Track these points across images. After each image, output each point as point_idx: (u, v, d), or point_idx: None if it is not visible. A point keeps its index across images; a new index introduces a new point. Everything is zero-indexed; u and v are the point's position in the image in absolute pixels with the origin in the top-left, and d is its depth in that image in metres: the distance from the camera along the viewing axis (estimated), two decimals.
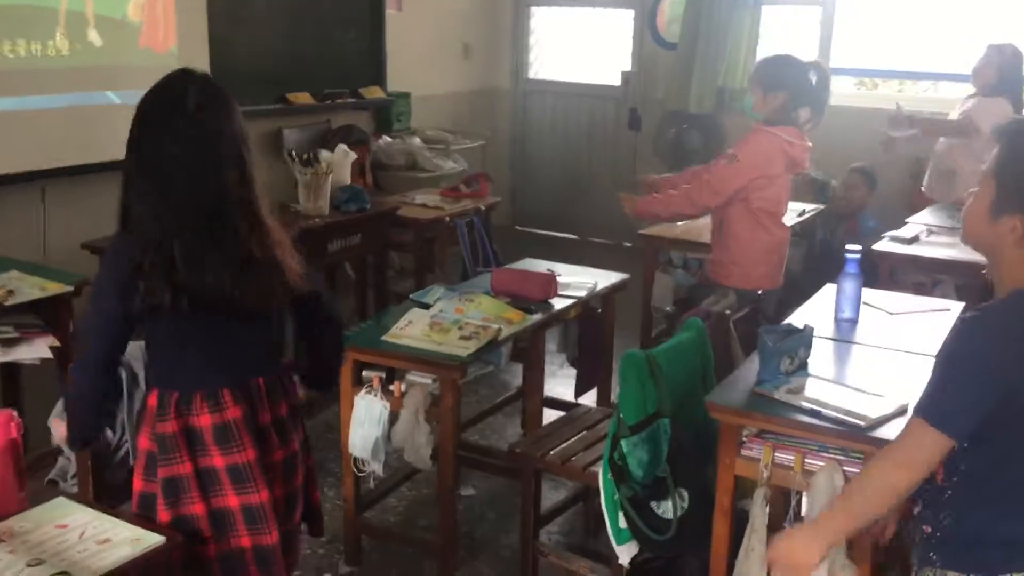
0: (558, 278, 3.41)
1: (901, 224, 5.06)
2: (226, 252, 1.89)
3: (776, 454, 2.38)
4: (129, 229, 1.91)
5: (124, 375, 2.53)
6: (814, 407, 2.35)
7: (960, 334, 1.69)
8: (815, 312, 3.14)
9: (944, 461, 1.69)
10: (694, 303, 4.74)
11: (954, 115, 5.03)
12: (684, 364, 2.80)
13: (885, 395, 2.41)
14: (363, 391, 2.89)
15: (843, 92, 6.33)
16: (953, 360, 1.68)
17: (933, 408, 1.67)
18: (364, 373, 2.94)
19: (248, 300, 1.93)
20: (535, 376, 3.36)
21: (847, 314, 3.04)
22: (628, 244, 7.19)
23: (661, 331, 4.81)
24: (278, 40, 5.48)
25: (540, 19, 7.40)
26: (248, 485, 1.96)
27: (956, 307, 3.21)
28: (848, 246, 3.09)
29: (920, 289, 3.96)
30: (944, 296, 3.89)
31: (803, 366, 2.59)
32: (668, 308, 4.72)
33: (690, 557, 2.82)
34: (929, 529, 1.75)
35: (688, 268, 4.68)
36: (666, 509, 2.62)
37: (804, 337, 2.58)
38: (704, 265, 4.69)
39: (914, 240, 4.09)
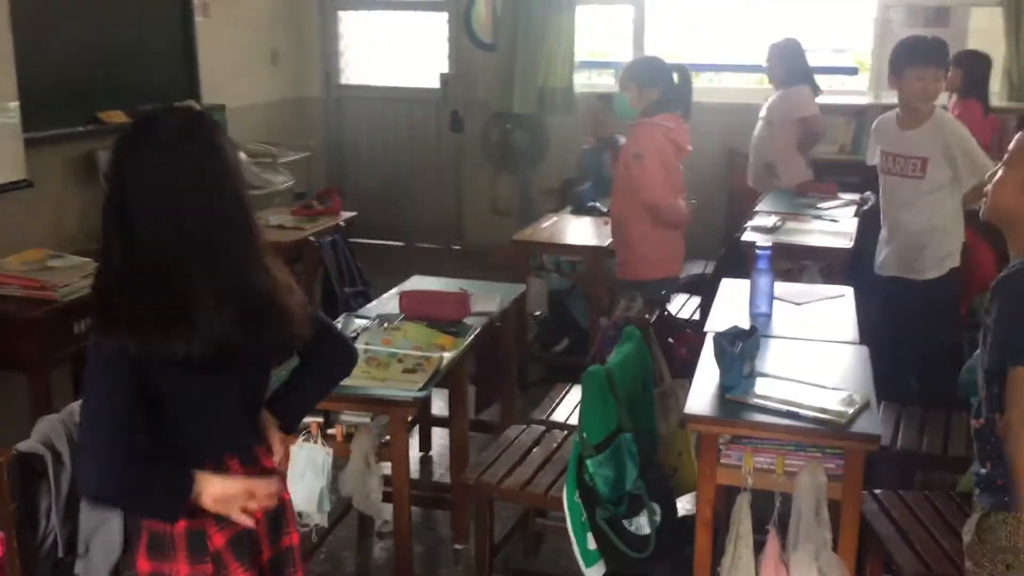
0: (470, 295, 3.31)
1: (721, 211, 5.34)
2: (228, 299, 1.66)
3: (755, 458, 2.42)
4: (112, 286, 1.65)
5: (48, 457, 2.21)
6: (791, 408, 2.40)
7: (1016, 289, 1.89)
8: (725, 309, 3.22)
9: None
10: (564, 308, 4.79)
11: (763, 110, 5.34)
12: (631, 375, 2.79)
13: (846, 388, 2.50)
14: (300, 439, 2.67)
15: None
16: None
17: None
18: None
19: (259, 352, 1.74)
20: (460, 400, 3.24)
21: (763, 308, 3.14)
22: (457, 247, 7.15)
23: (534, 336, 4.80)
24: (86, 55, 5.00)
25: (349, 23, 7.17)
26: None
27: (847, 291, 3.40)
28: (759, 243, 3.19)
29: (788, 275, 4.15)
30: (811, 280, 4.12)
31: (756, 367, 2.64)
32: (537, 312, 4.73)
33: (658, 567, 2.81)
34: (1002, 480, 1.86)
35: (561, 271, 4.70)
36: (640, 525, 2.60)
37: (756, 339, 2.63)
38: (577, 268, 4.74)
39: (775, 229, 4.29)
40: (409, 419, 2.66)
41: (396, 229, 7.18)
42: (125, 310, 1.60)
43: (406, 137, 7.14)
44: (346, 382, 2.64)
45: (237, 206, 1.71)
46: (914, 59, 3.70)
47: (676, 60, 4.24)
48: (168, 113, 1.71)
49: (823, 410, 2.37)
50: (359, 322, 3.10)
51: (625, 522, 2.60)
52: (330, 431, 2.71)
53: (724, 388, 2.52)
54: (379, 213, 7.25)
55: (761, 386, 2.52)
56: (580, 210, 5.03)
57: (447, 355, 2.84)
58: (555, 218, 4.86)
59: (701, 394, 2.53)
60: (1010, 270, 1.95)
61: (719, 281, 4.25)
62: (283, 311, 1.74)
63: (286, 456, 1.92)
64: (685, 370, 3.23)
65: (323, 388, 2.05)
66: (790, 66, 5.24)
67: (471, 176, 7.03)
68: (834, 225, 4.43)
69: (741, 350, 2.55)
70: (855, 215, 4.62)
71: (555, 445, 3.04)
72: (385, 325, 3.01)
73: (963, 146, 3.67)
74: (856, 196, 4.95)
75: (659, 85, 3.75)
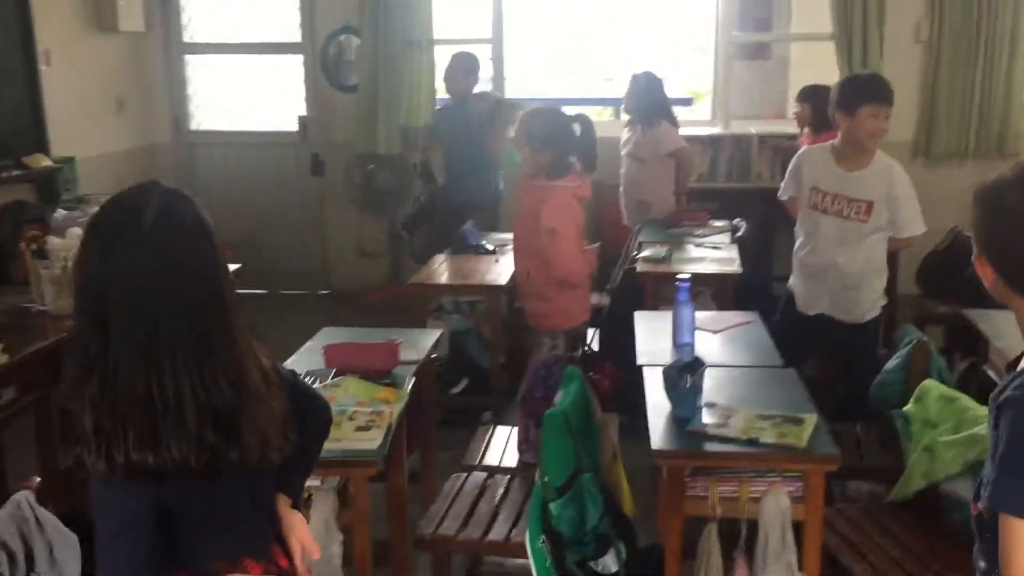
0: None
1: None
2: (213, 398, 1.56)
3: (719, 487, 2.49)
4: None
5: (3, 558, 2.02)
6: (750, 437, 2.48)
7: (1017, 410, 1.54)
8: (649, 341, 3.31)
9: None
10: (462, 349, 4.77)
11: (624, 142, 5.53)
12: (582, 414, 2.81)
13: (791, 411, 2.61)
14: None
15: None
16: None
17: (1016, 500, 1.52)
18: None
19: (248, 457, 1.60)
20: (397, 453, 3.16)
21: (686, 339, 3.23)
22: (324, 292, 7.00)
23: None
24: None
25: (197, 68, 6.92)
26: None
27: (754, 316, 3.55)
28: (679, 275, 3.30)
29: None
30: (705, 307, 4.27)
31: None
32: (434, 356, 4.67)
33: None
34: None
35: (462, 312, 4.68)
36: (606, 565, 2.62)
37: (703, 371, 2.71)
38: (477, 308, 4.73)
39: (666, 259, 4.43)
40: (368, 477, 2.57)
41: (259, 277, 6.93)
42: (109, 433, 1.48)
43: (264, 182, 6.94)
44: None
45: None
46: (871, 97, 3.64)
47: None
48: (145, 196, 1.59)
49: (783, 435, 2.47)
50: None
51: (592, 564, 2.62)
52: None
53: (681, 421, 2.59)
54: (240, 261, 7.00)
55: (717, 417, 2.59)
56: (463, 250, 5.02)
57: (396, 408, 2.77)
58: (443, 259, 4.84)
59: (660, 428, 2.58)
60: (1014, 389, 1.59)
61: (617, 313, 4.37)
62: (250, 429, 1.60)
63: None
64: (608, 404, 3.30)
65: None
66: (650, 100, 5.45)
67: (335, 219, 6.91)
68: (718, 252, 4.62)
69: (692, 382, 2.63)
70: (732, 242, 4.84)
71: (502, 490, 3.02)
72: (321, 383, 2.91)
73: (909, 194, 3.70)
74: (726, 223, 5.19)
75: (552, 146, 3.66)
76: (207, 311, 1.59)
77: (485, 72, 6.58)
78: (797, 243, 3.96)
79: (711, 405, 2.66)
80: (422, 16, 6.38)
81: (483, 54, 6.60)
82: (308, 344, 3.43)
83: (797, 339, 3.69)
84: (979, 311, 3.59)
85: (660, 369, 2.88)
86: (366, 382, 2.91)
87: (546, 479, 2.64)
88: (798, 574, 2.45)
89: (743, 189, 6.13)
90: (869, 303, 3.83)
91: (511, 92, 6.55)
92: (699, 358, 2.76)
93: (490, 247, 4.99)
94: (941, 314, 4.93)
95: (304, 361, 3.27)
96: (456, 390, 4.84)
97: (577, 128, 3.74)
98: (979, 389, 3.13)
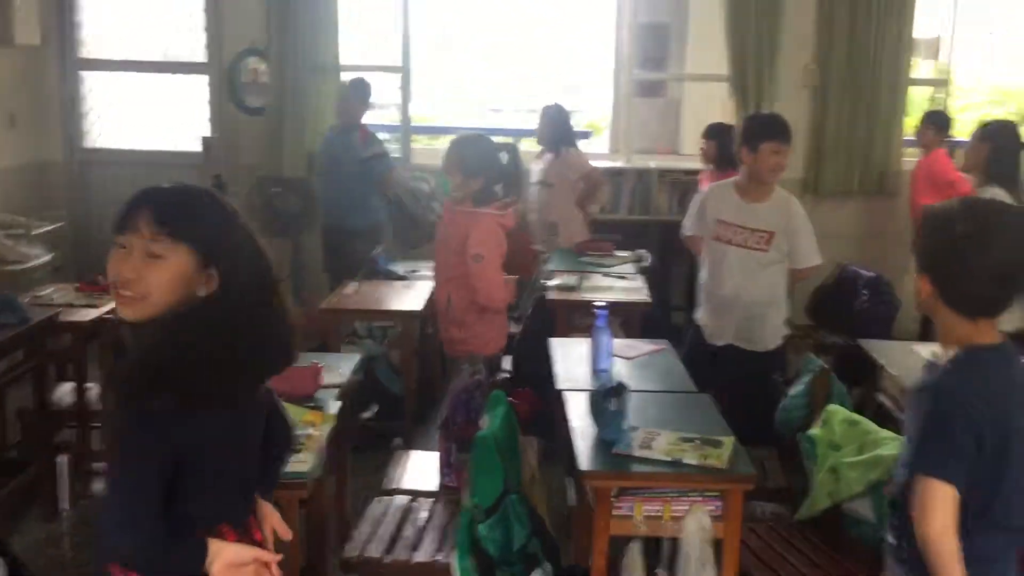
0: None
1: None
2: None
3: (644, 507, 2.58)
4: None
5: None
6: (674, 458, 2.59)
7: (939, 395, 1.88)
8: (568, 367, 3.40)
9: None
10: (372, 374, 4.77)
11: (535, 169, 5.68)
12: (508, 438, 2.88)
13: (714, 435, 2.73)
14: None
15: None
16: (937, 420, 1.85)
17: (940, 467, 1.83)
18: None
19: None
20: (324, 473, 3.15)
21: (604, 364, 3.34)
22: None
23: None
24: None
25: (95, 85, 6.74)
26: None
27: (665, 344, 3.69)
28: (596, 303, 3.41)
29: (590, 330, 4.43)
30: (613, 335, 4.40)
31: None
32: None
33: None
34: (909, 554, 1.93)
35: (374, 337, 4.68)
36: None
37: (627, 395, 2.80)
38: (389, 333, 4.74)
39: (577, 287, 4.55)
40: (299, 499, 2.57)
41: None
42: (180, 363, 1.62)
43: None
44: None
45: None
46: (772, 134, 3.85)
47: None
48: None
49: (705, 456, 2.58)
50: None
51: None
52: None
53: (607, 443, 2.68)
54: None
55: (642, 439, 2.69)
56: (373, 275, 5.04)
57: (325, 430, 2.78)
58: (355, 284, 4.85)
59: (586, 451, 2.66)
60: (928, 378, 1.97)
61: (529, 340, 4.46)
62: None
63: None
64: (527, 428, 3.37)
65: (286, 460, 2.10)
66: (559, 129, 5.62)
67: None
68: (626, 281, 4.77)
69: (617, 406, 2.72)
70: (638, 272, 5.00)
71: (425, 513, 3.04)
72: None
73: (806, 226, 3.90)
74: (630, 253, 5.36)
75: (483, 172, 3.73)
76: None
77: (393, 99, 6.66)
78: (703, 277, 4.12)
79: (634, 428, 2.76)
80: (329, 41, 6.39)
81: (392, 82, 6.68)
82: None
83: (705, 369, 3.82)
84: (873, 341, 3.82)
85: (582, 394, 3.00)
86: (292, 405, 2.90)
87: (475, 500, 2.69)
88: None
89: (644, 221, 6.33)
90: (773, 332, 4.02)
91: (417, 120, 6.60)
92: (622, 383, 2.85)
93: (401, 272, 5.03)
94: (830, 344, 5.20)
95: None
96: (367, 415, 4.83)
97: (504, 157, 3.83)
98: (875, 414, 3.33)
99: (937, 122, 5.84)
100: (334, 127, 5.90)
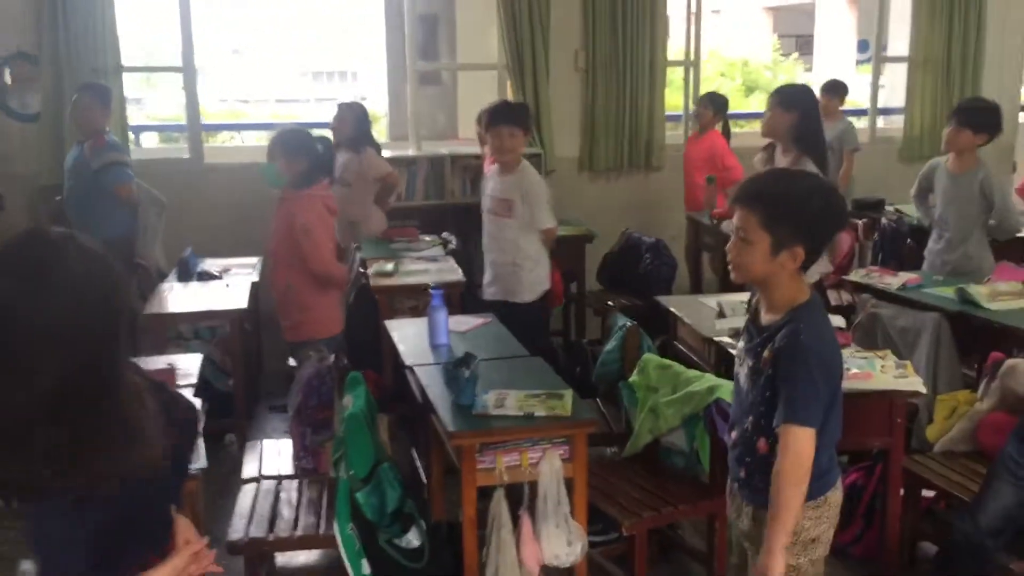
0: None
1: None
2: None
3: (504, 458, 2.93)
4: None
5: None
6: (526, 412, 2.95)
7: (793, 352, 2.19)
8: (409, 345, 3.69)
9: (769, 439, 2.28)
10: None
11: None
12: (371, 414, 3.14)
13: (555, 388, 3.11)
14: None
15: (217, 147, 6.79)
16: (797, 372, 2.18)
17: (803, 414, 2.18)
18: None
19: None
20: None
21: (443, 340, 3.66)
22: None
23: None
24: None
25: None
26: None
27: (492, 317, 4.05)
28: (432, 284, 3.73)
29: (415, 311, 4.72)
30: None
31: None
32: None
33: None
34: (762, 484, 2.28)
35: (201, 338, 4.73)
36: (409, 540, 2.97)
37: (478, 363, 3.12)
38: (217, 332, 4.81)
39: (395, 272, 4.82)
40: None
41: None
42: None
43: None
44: None
45: None
46: (492, 121, 4.45)
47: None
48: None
49: (551, 408, 2.96)
50: None
51: (397, 540, 2.96)
52: None
53: (466, 407, 2.99)
54: None
55: (495, 399, 3.02)
56: (188, 277, 5.07)
57: None
58: (170, 286, 4.88)
59: (448, 416, 2.96)
60: (784, 339, 2.22)
61: (356, 326, 4.70)
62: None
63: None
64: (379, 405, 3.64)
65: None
66: (357, 128, 5.81)
67: None
68: (437, 263, 5.08)
69: (471, 373, 3.04)
70: (447, 253, 5.33)
71: (295, 493, 3.25)
72: None
73: (536, 192, 4.46)
74: (434, 237, 5.68)
75: (306, 155, 4.02)
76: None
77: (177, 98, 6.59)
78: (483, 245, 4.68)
79: (485, 392, 3.09)
80: (108, 42, 6.25)
81: (176, 83, 6.62)
82: None
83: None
84: (668, 297, 4.39)
85: (433, 367, 3.32)
86: None
87: (351, 472, 2.94)
88: (572, 521, 2.94)
89: (440, 205, 6.66)
90: (529, 286, 4.54)
91: (205, 120, 6.59)
92: (470, 353, 3.18)
93: (216, 272, 5.10)
94: (621, 304, 5.75)
95: None
96: None
97: (320, 148, 4.08)
98: (675, 359, 3.83)
99: (715, 103, 6.52)
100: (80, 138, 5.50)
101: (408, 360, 3.52)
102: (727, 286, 5.76)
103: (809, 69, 21.55)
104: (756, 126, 11.67)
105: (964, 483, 3.20)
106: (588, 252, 5.96)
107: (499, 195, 4.50)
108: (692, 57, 7.39)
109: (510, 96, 6.76)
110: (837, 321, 3.52)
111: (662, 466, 3.45)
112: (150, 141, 8.94)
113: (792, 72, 20.88)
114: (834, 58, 21.09)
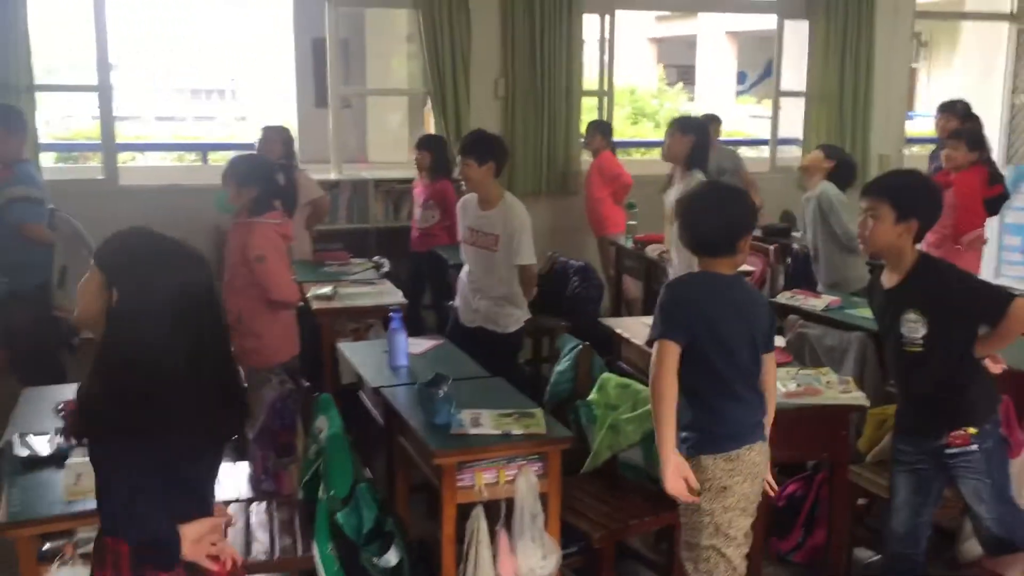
0: None
1: None
2: None
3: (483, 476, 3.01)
4: None
5: None
6: (504, 431, 3.04)
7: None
8: (370, 368, 3.73)
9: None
10: None
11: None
12: (344, 436, 3.17)
13: (523, 407, 3.22)
14: (56, 566, 2.57)
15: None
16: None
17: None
18: (47, 546, 2.59)
19: None
20: None
21: (402, 361, 3.72)
22: None
23: None
24: None
25: None
26: None
27: (440, 338, 4.13)
28: (391, 306, 3.78)
29: (356, 334, 4.76)
30: (377, 335, 4.77)
31: None
32: None
33: None
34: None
35: None
36: (389, 559, 3.02)
37: (450, 382, 3.20)
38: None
39: (334, 296, 4.82)
40: None
41: None
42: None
43: None
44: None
45: None
46: (460, 150, 4.44)
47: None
48: None
49: (527, 426, 3.06)
50: (36, 440, 2.96)
51: (376, 559, 3.01)
52: (83, 550, 2.63)
53: (443, 427, 3.07)
54: None
55: (469, 418, 3.11)
56: None
57: None
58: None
59: (430, 434, 3.03)
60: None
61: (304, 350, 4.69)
62: None
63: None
64: None
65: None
66: (288, 151, 5.80)
67: None
68: (374, 286, 5.11)
69: (445, 393, 3.12)
70: (381, 276, 5.37)
71: (264, 516, 3.25)
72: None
73: (520, 227, 4.38)
74: (365, 260, 5.71)
75: (257, 183, 3.98)
76: None
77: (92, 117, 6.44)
78: (464, 271, 4.62)
79: (458, 411, 3.17)
80: (19, 58, 6.07)
81: (91, 102, 6.48)
82: (20, 410, 3.35)
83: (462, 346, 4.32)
84: (613, 319, 4.57)
85: (398, 388, 3.39)
86: None
87: (332, 492, 2.98)
88: (546, 535, 3.05)
89: (362, 229, 6.70)
90: (513, 318, 4.57)
91: (124, 138, 6.46)
92: (441, 373, 3.25)
93: None
94: (550, 326, 5.91)
95: (35, 423, 3.19)
96: None
97: (281, 178, 4.07)
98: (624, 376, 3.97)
99: (602, 130, 6.89)
100: None
101: (374, 382, 3.56)
102: (650, 309, 6.01)
103: (692, 99, 22.34)
104: (644, 153, 12.17)
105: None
106: None
107: (483, 228, 4.43)
108: (606, 87, 7.64)
109: (427, 124, 6.87)
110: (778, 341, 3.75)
111: (619, 480, 3.59)
112: (45, 160, 8.66)
113: (676, 101, 21.60)
114: (715, 88, 21.99)
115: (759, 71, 24.30)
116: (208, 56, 21.77)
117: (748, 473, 2.78)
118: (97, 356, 2.03)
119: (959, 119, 6.20)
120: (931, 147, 7.32)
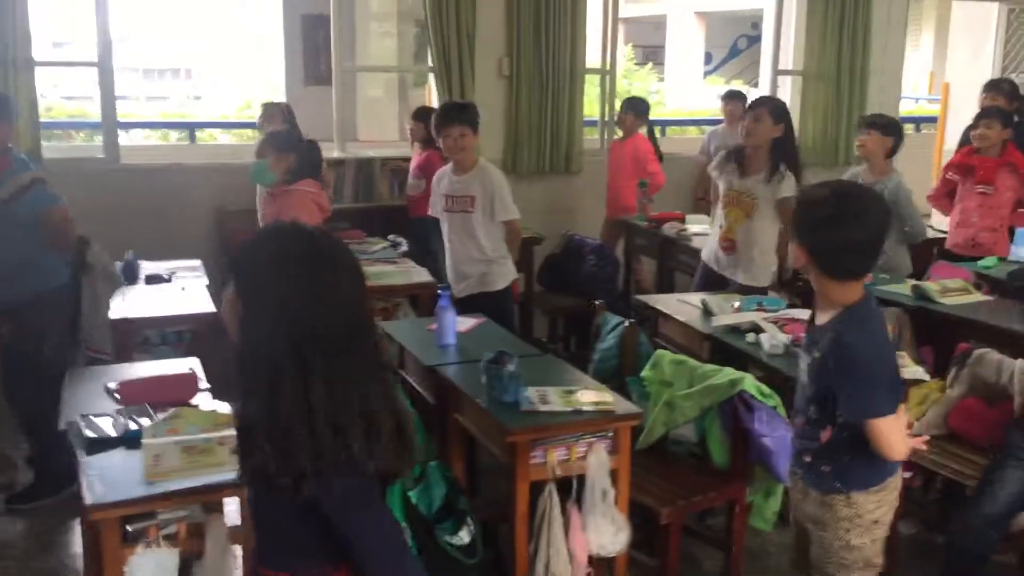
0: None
1: None
2: None
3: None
4: None
5: None
6: (574, 408, 3.03)
7: (854, 351, 2.38)
8: (419, 348, 3.70)
9: (833, 430, 2.50)
10: None
11: None
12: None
13: (591, 387, 3.21)
14: (141, 547, 2.51)
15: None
16: (860, 369, 2.39)
17: (876, 408, 2.39)
18: (131, 528, 2.54)
19: None
20: None
21: (451, 339, 3.69)
22: None
23: None
24: None
25: None
26: None
27: (482, 317, 4.09)
28: (440, 286, 3.74)
29: (385, 312, 4.71)
30: (405, 313, 4.73)
31: None
32: None
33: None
34: (827, 469, 2.54)
35: (169, 342, 4.55)
36: (461, 537, 3.01)
37: (516, 359, 3.17)
38: (184, 337, 4.64)
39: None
40: None
41: None
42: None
43: None
44: (177, 476, 2.60)
45: None
46: (442, 122, 4.50)
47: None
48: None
49: (598, 404, 3.05)
50: (101, 421, 2.90)
51: (449, 538, 2.99)
52: (166, 531, 2.58)
53: (512, 404, 3.04)
54: None
55: (538, 396, 3.09)
56: (134, 281, 4.87)
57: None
58: (125, 291, 4.67)
59: (501, 412, 3.01)
60: (838, 337, 2.42)
61: None
62: None
63: None
64: None
65: None
66: (291, 130, 5.72)
67: None
68: (397, 265, 5.07)
69: (513, 372, 3.10)
70: (401, 255, 5.32)
71: None
72: (158, 416, 2.87)
73: (499, 186, 4.52)
74: (379, 238, 5.66)
75: (295, 151, 4.00)
76: None
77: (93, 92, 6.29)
78: (447, 248, 4.70)
79: (529, 387, 3.14)
80: (18, 32, 5.89)
81: (91, 77, 6.32)
82: (70, 392, 3.28)
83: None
84: (652, 296, 4.55)
85: (457, 367, 3.36)
86: (200, 410, 2.94)
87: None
88: (616, 511, 3.05)
89: (369, 208, 6.62)
90: (500, 276, 4.63)
91: (123, 116, 6.32)
92: (504, 351, 3.22)
93: (165, 276, 4.92)
94: (561, 305, 5.92)
95: (89, 405, 3.12)
96: None
97: (307, 148, 4.06)
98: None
99: (635, 107, 6.76)
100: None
101: (425, 361, 3.53)
102: (663, 287, 6.03)
103: (662, 79, 22.39)
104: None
105: (944, 462, 3.51)
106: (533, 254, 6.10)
107: (458, 193, 4.54)
108: (608, 66, 7.62)
109: (429, 99, 6.81)
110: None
111: (672, 457, 3.59)
112: None
113: (646, 81, 21.63)
114: (683, 69, 22.06)
115: (724, 52, 24.48)
116: (165, 35, 21.45)
117: (893, 501, 2.61)
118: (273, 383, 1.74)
119: (1006, 98, 5.97)
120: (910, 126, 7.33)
